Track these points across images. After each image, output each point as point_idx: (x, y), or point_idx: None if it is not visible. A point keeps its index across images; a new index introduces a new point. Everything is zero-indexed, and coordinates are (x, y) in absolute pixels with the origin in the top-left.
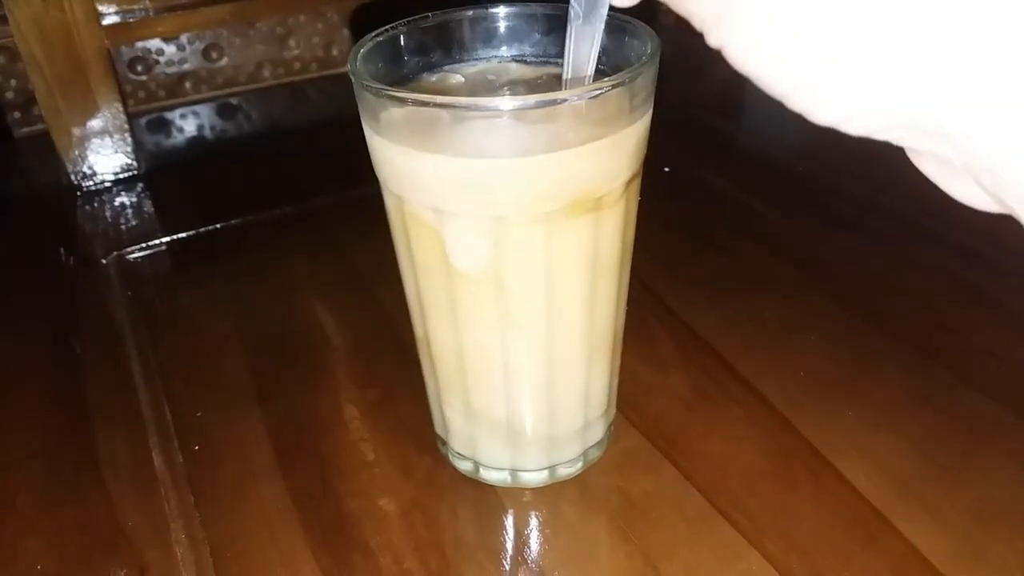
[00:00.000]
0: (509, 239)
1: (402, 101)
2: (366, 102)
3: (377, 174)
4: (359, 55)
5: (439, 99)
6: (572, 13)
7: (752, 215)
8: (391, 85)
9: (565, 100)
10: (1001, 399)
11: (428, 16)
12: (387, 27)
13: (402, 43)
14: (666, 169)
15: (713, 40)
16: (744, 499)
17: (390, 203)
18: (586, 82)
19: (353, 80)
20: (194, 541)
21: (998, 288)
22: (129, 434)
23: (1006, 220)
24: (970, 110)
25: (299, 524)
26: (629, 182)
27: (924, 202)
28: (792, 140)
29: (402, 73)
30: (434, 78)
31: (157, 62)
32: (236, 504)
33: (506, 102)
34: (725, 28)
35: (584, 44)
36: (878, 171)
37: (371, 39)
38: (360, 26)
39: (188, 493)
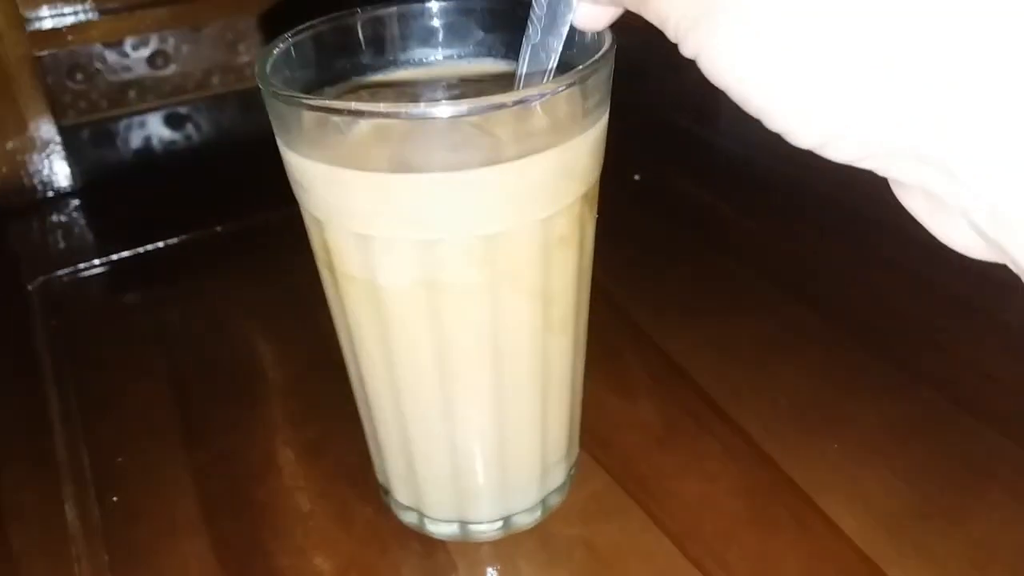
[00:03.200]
0: (443, 268)
1: (316, 109)
2: (277, 112)
3: (294, 192)
4: (270, 59)
5: (357, 106)
6: (530, 30)
7: (729, 226)
8: (309, 92)
9: (507, 104)
10: (998, 425)
11: (356, 11)
12: (304, 25)
13: (323, 43)
14: (636, 177)
15: (689, 48)
16: (720, 548)
17: (310, 225)
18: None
19: (261, 87)
20: None
21: (993, 301)
22: (40, 482)
23: None
24: (968, 133)
25: None
26: (584, 198)
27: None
28: (772, 146)
29: (324, 78)
30: (367, 81)
31: (98, 71)
32: (155, 564)
33: (436, 108)
34: (704, 33)
35: (539, 63)
36: (863, 178)
37: (285, 40)
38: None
39: (102, 551)
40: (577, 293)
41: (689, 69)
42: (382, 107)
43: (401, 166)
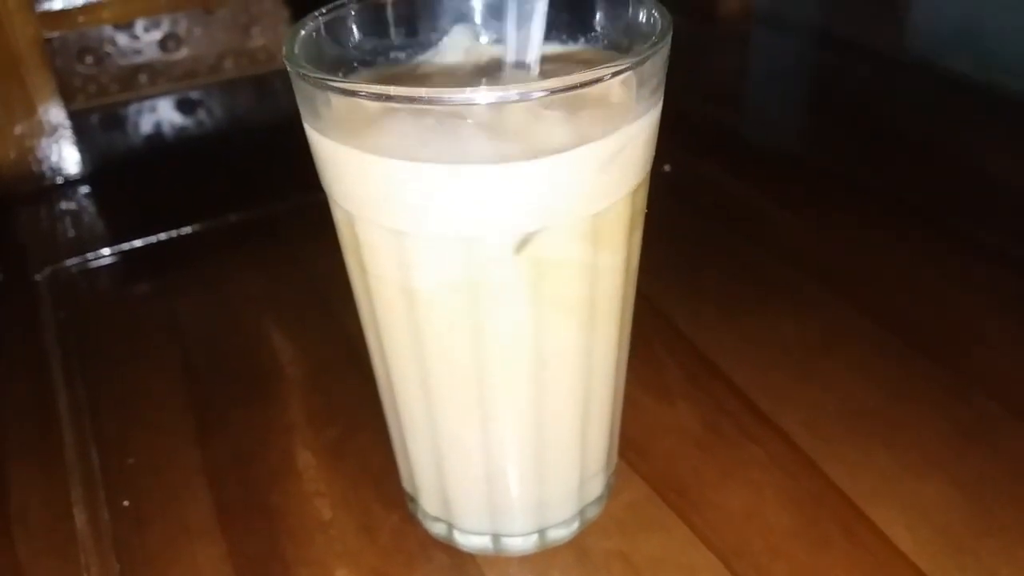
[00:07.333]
0: (484, 268)
1: (349, 94)
2: (305, 95)
3: (322, 183)
4: (298, 37)
5: (395, 91)
6: None
7: (764, 219)
8: (340, 73)
9: (556, 91)
10: None
11: None
12: (335, 3)
13: (355, 23)
14: (665, 168)
15: None
16: (768, 563)
17: (339, 218)
18: (532, 63)
19: (289, 68)
20: None
21: None
22: (48, 484)
23: None
24: None
25: None
26: (634, 193)
27: (957, 201)
28: (803, 131)
29: (355, 60)
30: (403, 65)
31: (109, 54)
32: (167, 572)
33: (480, 93)
34: None
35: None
36: (902, 165)
37: (314, 18)
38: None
39: (112, 559)
40: (624, 293)
41: (710, 56)
42: (422, 92)
43: (440, 156)
